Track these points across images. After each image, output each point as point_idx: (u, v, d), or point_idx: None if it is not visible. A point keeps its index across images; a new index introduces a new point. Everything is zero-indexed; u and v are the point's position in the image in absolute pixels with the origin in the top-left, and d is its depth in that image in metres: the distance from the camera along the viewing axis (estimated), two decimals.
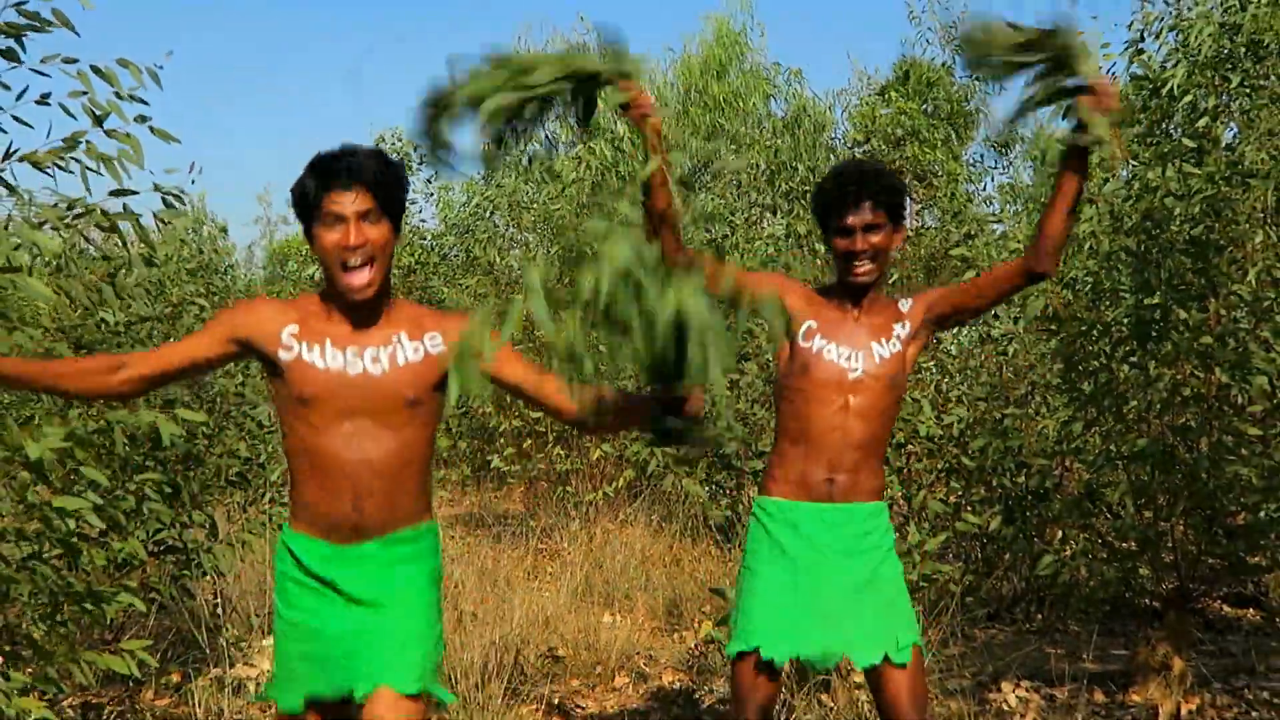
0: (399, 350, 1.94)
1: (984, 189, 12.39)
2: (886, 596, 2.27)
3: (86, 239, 2.95)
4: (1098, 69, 2.02)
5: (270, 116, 36.50)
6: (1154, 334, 3.59)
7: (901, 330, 2.31)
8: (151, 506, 3.34)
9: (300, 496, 1.96)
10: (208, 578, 3.79)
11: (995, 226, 6.42)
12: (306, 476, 1.94)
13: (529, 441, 6.56)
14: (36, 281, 2.40)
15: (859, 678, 3.39)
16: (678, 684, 3.81)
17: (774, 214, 9.41)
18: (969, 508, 4.32)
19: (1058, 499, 4.16)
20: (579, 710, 3.63)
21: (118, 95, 2.57)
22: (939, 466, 4.43)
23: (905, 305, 2.34)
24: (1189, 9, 4.18)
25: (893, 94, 12.08)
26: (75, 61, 2.53)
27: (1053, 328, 3.90)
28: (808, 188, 9.11)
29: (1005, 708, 3.54)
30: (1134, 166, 3.97)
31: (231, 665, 3.66)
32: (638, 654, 4.11)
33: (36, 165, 2.56)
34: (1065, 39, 1.97)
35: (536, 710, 3.56)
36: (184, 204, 3.03)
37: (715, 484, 5.46)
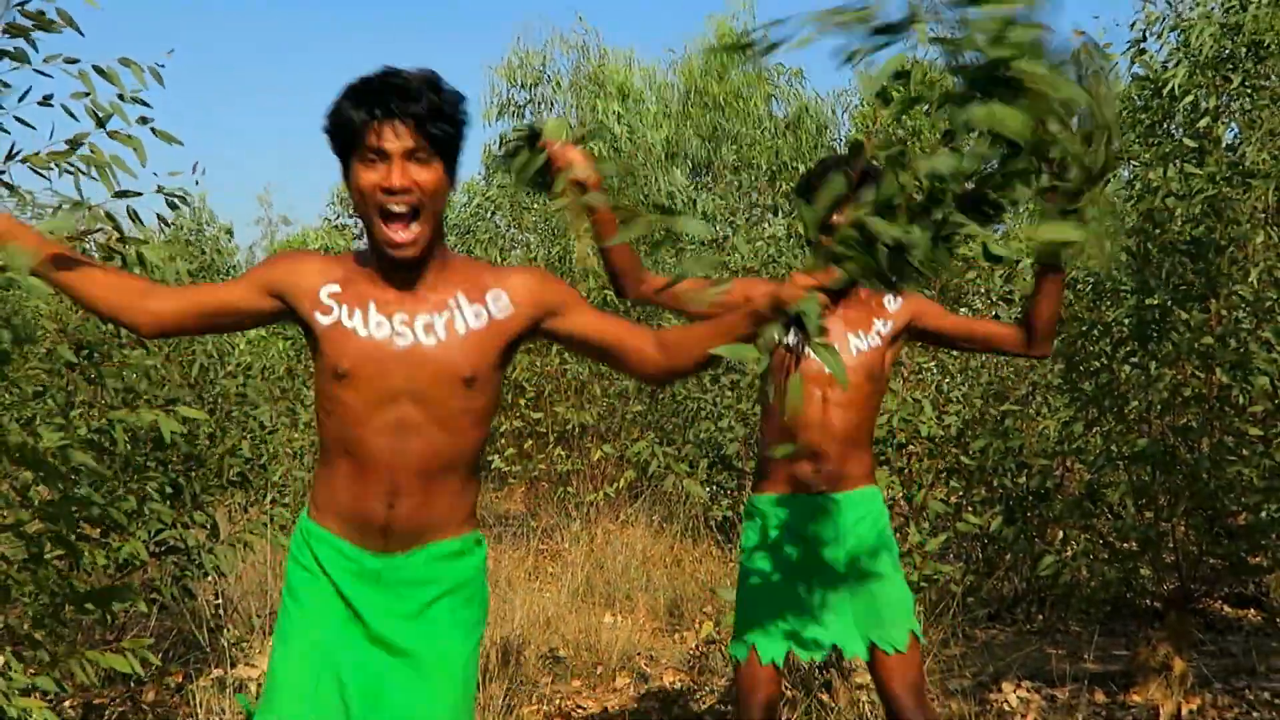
0: (457, 316, 1.62)
1: None
2: (877, 584, 2.28)
3: (88, 250, 2.95)
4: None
5: (270, 117, 36.52)
6: (1155, 334, 3.59)
7: (883, 327, 2.32)
8: (153, 507, 3.35)
9: (326, 483, 1.67)
10: (209, 578, 3.79)
11: (996, 227, 6.42)
12: (337, 464, 1.64)
13: (530, 442, 6.56)
14: (36, 280, 2.40)
15: (860, 678, 3.39)
16: (679, 684, 3.82)
17: (775, 214, 9.41)
18: (970, 508, 4.32)
19: (1059, 499, 4.16)
20: (580, 711, 3.63)
21: (120, 97, 2.56)
22: (940, 467, 4.43)
23: (892, 304, 2.34)
24: (1190, 9, 4.18)
25: (894, 94, 12.06)
26: (77, 61, 2.53)
27: None
28: None
29: (1006, 708, 3.54)
30: (1135, 167, 3.97)
31: (233, 666, 3.66)
32: (639, 654, 4.11)
33: (36, 168, 2.56)
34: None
35: (537, 711, 3.56)
36: (187, 205, 3.03)
37: (716, 484, 5.46)
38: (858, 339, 2.30)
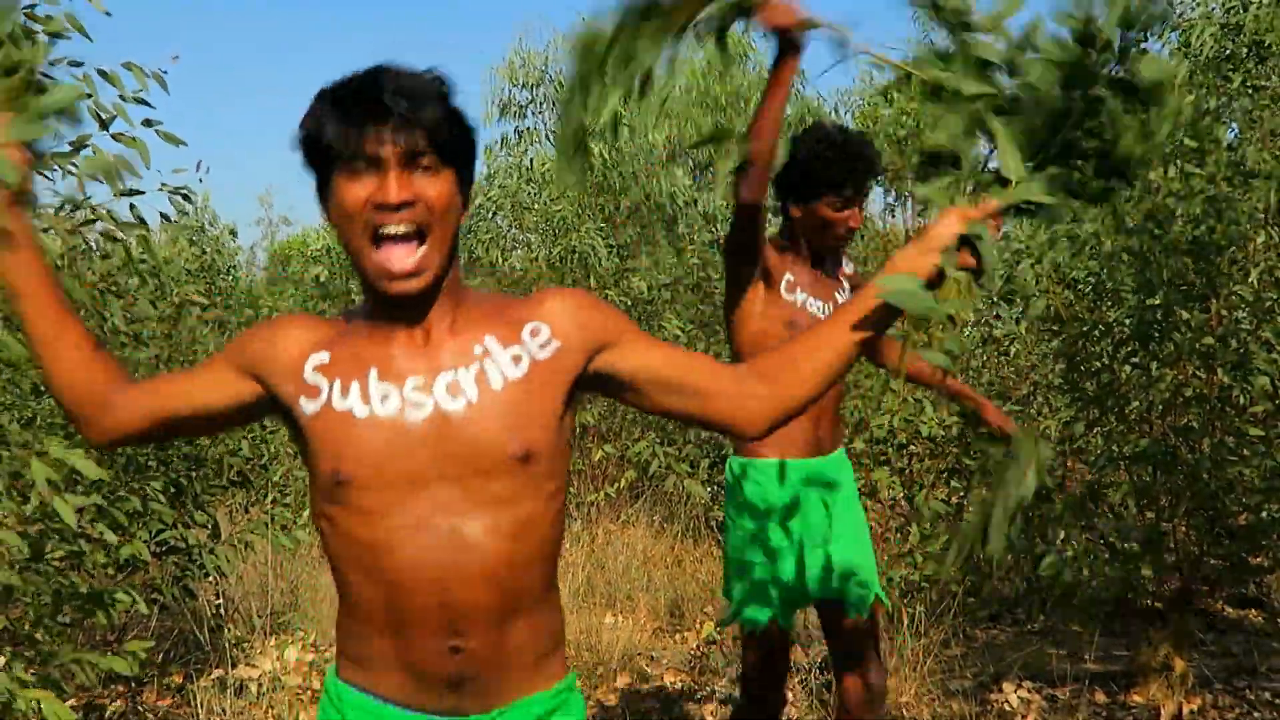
0: (489, 366, 1.18)
1: None
2: (847, 544, 2.34)
3: (87, 243, 2.95)
4: None
5: (271, 116, 36.52)
6: (1156, 334, 3.59)
7: (845, 291, 2.45)
8: (154, 507, 3.35)
9: (356, 628, 1.20)
10: (210, 578, 3.79)
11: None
12: (362, 594, 1.18)
13: None
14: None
15: None
16: (680, 685, 3.82)
17: (775, 214, 9.41)
18: (971, 508, 4.32)
19: (1059, 499, 4.15)
20: None
21: (122, 98, 2.57)
22: (940, 467, 4.43)
23: (849, 267, 2.50)
24: (1191, 9, 4.18)
25: (894, 94, 12.08)
26: (81, 65, 2.54)
27: (1055, 328, 3.90)
28: None
29: (1007, 708, 3.54)
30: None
31: (233, 666, 3.66)
32: (639, 655, 4.11)
33: (39, 170, 2.56)
34: None
35: None
36: (191, 204, 3.03)
37: (717, 484, 5.46)
38: (840, 298, 2.40)
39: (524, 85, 14.86)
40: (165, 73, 2.63)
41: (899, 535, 4.17)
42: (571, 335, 1.22)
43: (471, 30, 34.28)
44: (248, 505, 4.72)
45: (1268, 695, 3.64)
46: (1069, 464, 4.46)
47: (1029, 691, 3.69)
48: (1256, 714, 3.50)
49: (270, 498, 4.61)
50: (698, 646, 4.13)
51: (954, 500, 4.36)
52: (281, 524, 3.91)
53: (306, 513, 4.68)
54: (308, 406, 1.18)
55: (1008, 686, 3.70)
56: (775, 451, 2.30)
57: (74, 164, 2.56)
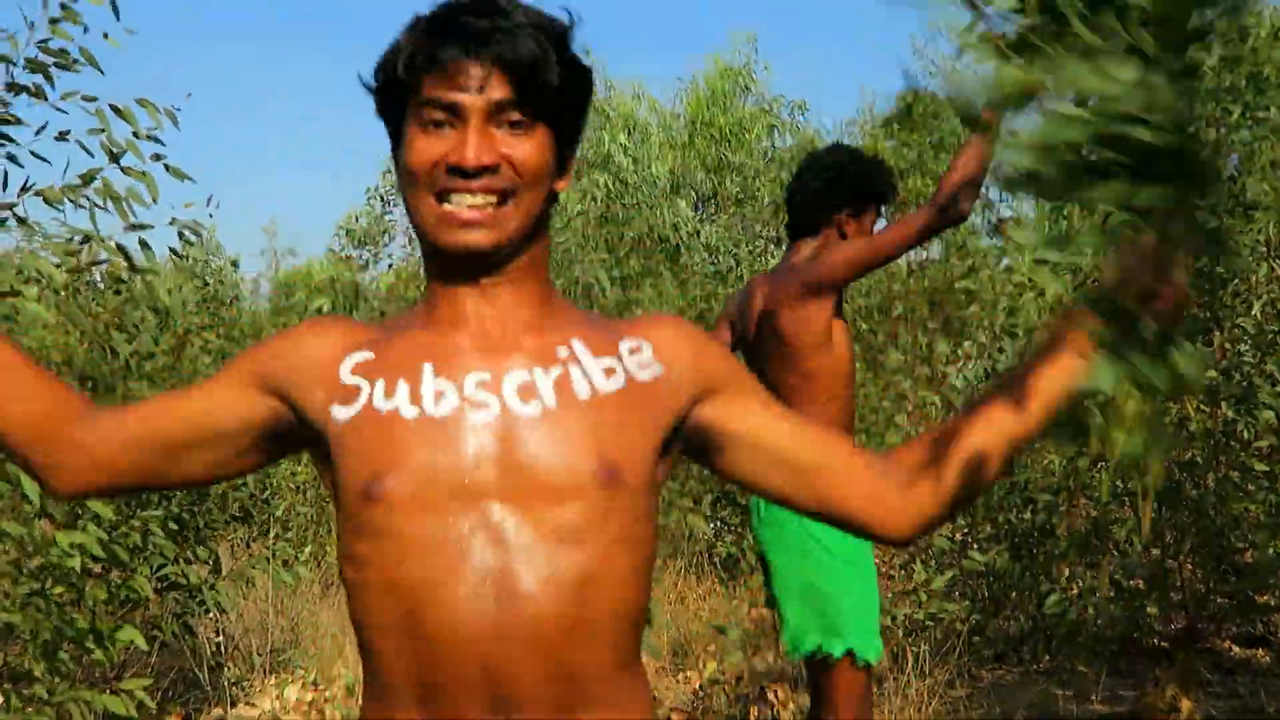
0: (574, 372, 0.94)
1: (989, 222, 12.43)
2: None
3: (92, 280, 2.96)
4: None
5: (275, 144, 36.79)
6: None
7: None
8: (156, 542, 3.34)
9: (381, 677, 0.93)
10: (210, 615, 3.77)
11: (1002, 260, 6.43)
12: (389, 642, 0.91)
13: None
14: (37, 305, 2.42)
15: None
16: None
17: (778, 245, 9.45)
18: (975, 545, 4.30)
19: (1064, 536, 4.13)
20: None
21: (135, 135, 2.60)
22: None
23: None
24: None
25: (895, 126, 12.16)
26: (94, 100, 2.57)
27: None
28: None
29: None
30: None
31: (233, 705, 3.63)
32: None
33: (49, 201, 2.59)
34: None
35: None
36: (200, 238, 3.05)
37: (720, 520, 5.44)
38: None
39: None
40: (179, 110, 2.66)
41: (904, 573, 4.14)
42: (679, 367, 0.98)
43: None
44: (249, 540, 4.71)
45: None
46: (1074, 501, 4.44)
47: None
48: None
49: (272, 533, 4.59)
50: (701, 686, 4.09)
51: (958, 537, 4.34)
52: (283, 559, 3.89)
53: (309, 548, 4.66)
54: (341, 413, 0.93)
55: None
56: None
57: (86, 195, 2.59)
